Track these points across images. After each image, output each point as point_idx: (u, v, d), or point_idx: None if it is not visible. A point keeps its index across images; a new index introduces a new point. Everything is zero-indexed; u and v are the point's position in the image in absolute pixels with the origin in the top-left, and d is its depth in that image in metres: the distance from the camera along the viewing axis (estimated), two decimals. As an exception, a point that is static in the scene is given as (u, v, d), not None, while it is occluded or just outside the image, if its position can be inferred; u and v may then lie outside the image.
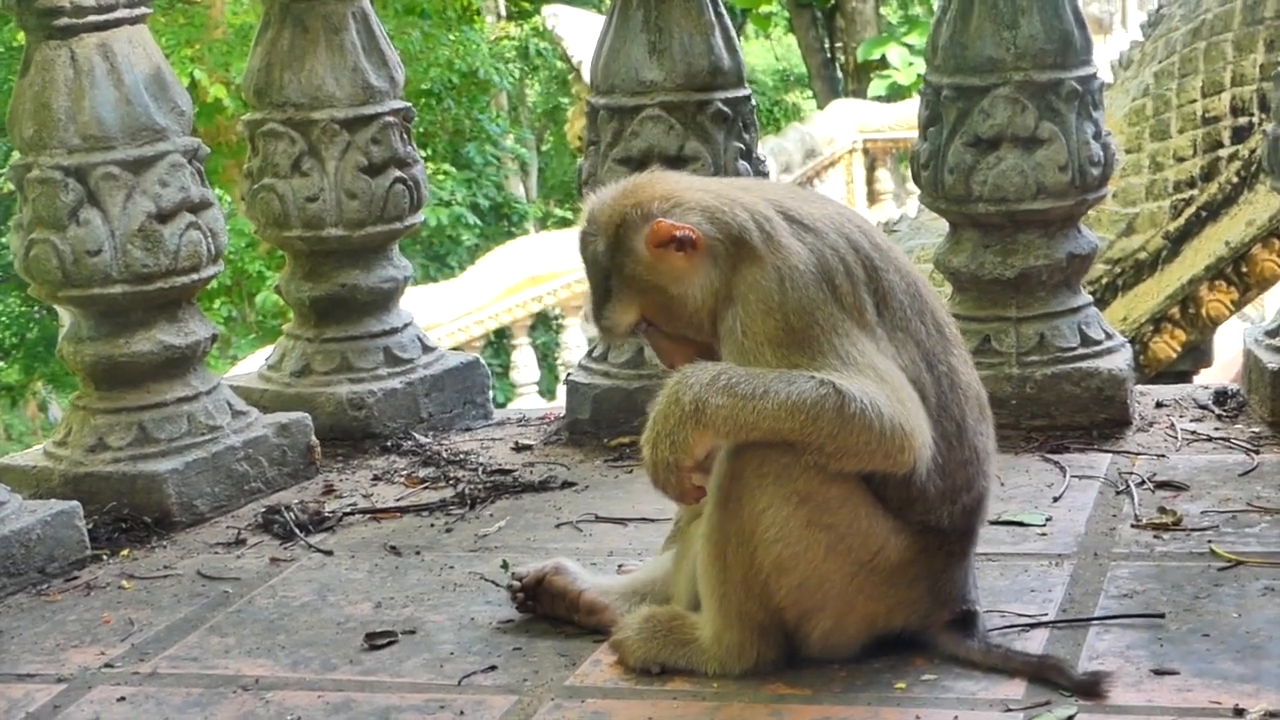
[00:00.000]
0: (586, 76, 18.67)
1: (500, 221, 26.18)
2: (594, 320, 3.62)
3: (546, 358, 20.76)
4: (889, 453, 3.38)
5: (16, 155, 5.11)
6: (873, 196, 19.67)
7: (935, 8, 6.13)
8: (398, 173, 5.78)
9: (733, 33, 5.59)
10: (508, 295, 16.85)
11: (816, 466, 3.40)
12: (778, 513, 3.44)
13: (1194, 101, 10.89)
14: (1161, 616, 3.80)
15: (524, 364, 16.90)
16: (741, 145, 5.54)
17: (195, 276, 5.10)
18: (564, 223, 27.05)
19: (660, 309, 3.54)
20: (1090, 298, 5.49)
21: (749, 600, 3.53)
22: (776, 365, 3.40)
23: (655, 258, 3.48)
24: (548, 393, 18.84)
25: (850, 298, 3.43)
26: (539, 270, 17.05)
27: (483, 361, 6.07)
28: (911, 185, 20.02)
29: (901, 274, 3.53)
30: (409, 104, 5.88)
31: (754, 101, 5.64)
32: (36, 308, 26.01)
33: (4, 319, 26.84)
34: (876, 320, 3.45)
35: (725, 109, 5.50)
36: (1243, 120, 10.77)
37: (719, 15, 5.55)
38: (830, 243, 3.46)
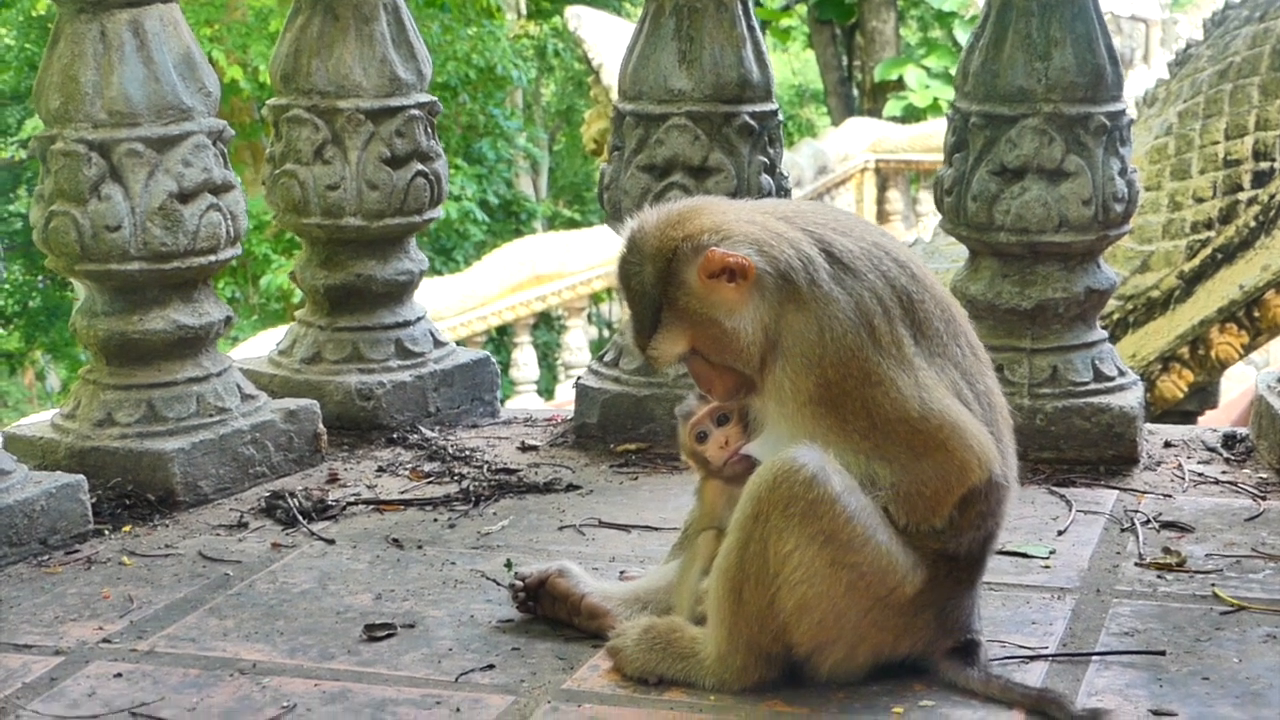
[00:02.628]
0: (606, 79, 18.73)
1: (508, 219, 26.17)
2: (638, 349, 3.64)
3: (546, 357, 20.79)
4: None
5: (31, 124, 5.12)
6: (883, 216, 19.69)
7: (966, 35, 6.11)
8: (420, 166, 5.80)
9: (764, 47, 5.60)
10: (512, 293, 16.86)
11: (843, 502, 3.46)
12: (804, 554, 3.46)
13: (1216, 143, 10.89)
14: (1163, 654, 3.81)
15: (524, 362, 16.91)
16: (765, 160, 5.55)
17: (213, 258, 5.11)
18: (572, 223, 27.08)
19: (712, 341, 3.55)
20: (1105, 333, 5.51)
21: (762, 634, 3.55)
22: (811, 427, 3.47)
23: (707, 289, 3.50)
24: (546, 392, 18.85)
25: (888, 337, 3.47)
26: (544, 269, 17.06)
27: (493, 360, 6.09)
28: (922, 207, 20.04)
29: (936, 300, 3.57)
30: (434, 98, 5.90)
31: (780, 117, 5.65)
32: (40, 276, 26.03)
33: (7, 287, 26.85)
34: (915, 351, 3.49)
35: (751, 122, 5.52)
36: (1264, 165, 10.78)
37: (751, 29, 5.56)
38: (868, 285, 3.50)
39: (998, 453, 3.53)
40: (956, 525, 3.53)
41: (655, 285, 3.55)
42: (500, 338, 19.46)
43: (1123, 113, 5.33)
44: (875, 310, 3.48)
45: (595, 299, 19.48)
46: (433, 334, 5.96)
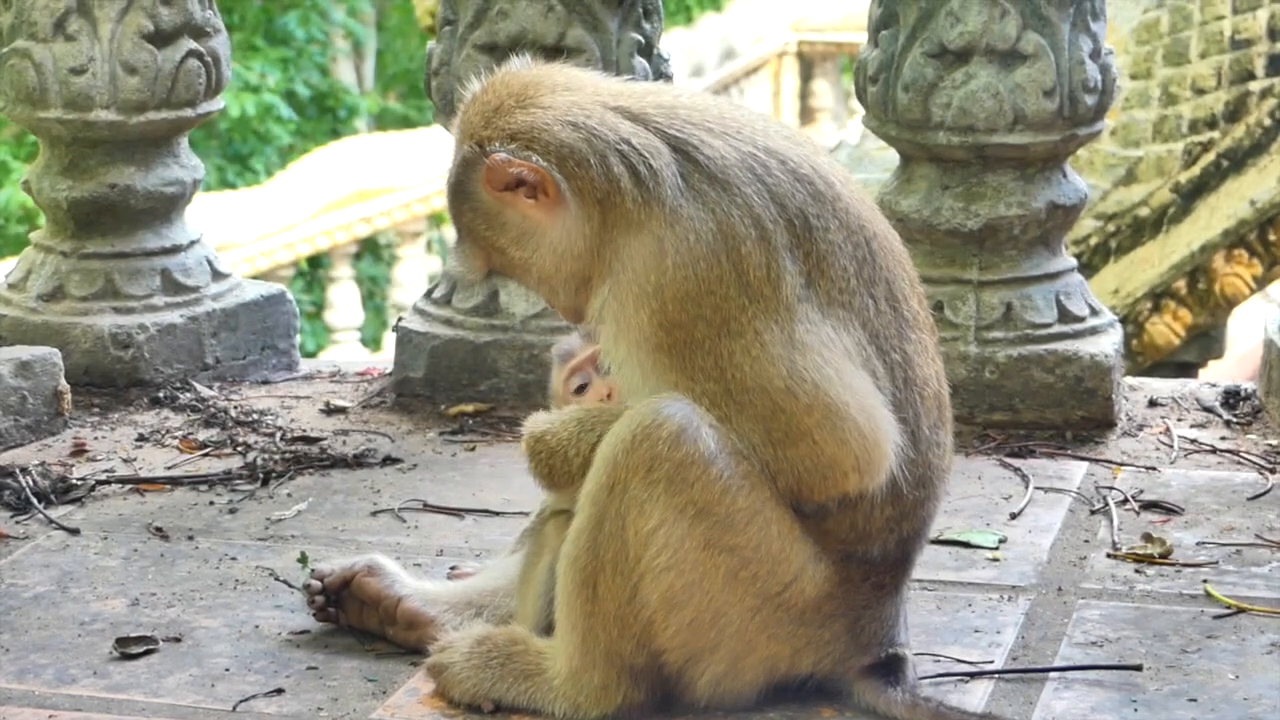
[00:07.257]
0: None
1: (323, 116, 26.03)
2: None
3: (373, 296, 20.72)
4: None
5: None
6: (806, 114, 19.76)
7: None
8: (193, 44, 5.76)
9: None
10: (327, 212, 16.82)
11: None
12: (670, 532, 3.47)
13: (1221, 19, 10.96)
14: (1138, 669, 3.85)
15: (343, 303, 16.87)
16: (639, 38, 5.54)
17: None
18: (406, 122, 26.94)
19: (508, 270, 3.66)
20: (1074, 261, 5.55)
21: (623, 640, 3.55)
22: (653, 380, 3.49)
23: (499, 205, 3.57)
24: (372, 342, 18.83)
25: (762, 272, 3.45)
26: (369, 183, 17.02)
27: (290, 295, 6.07)
28: (856, 103, 20.15)
29: (850, 231, 3.54)
30: (212, -46, 5.87)
31: (662, -19, 5.65)
32: None
33: None
34: (803, 295, 3.47)
35: (622, -12, 5.52)
36: (1281, 46, 10.89)
37: None
38: (743, 201, 3.48)
39: (896, 446, 3.51)
40: (863, 531, 3.55)
41: (455, 187, 3.64)
42: (313, 271, 19.40)
43: (1096, -23, 5.37)
44: (747, 235, 3.47)
45: (436, 220, 19.44)
46: (210, 263, 5.93)
